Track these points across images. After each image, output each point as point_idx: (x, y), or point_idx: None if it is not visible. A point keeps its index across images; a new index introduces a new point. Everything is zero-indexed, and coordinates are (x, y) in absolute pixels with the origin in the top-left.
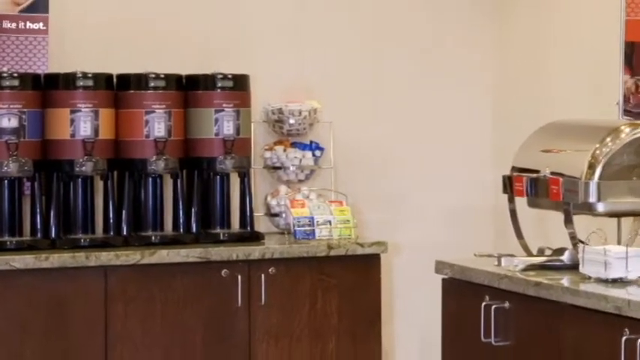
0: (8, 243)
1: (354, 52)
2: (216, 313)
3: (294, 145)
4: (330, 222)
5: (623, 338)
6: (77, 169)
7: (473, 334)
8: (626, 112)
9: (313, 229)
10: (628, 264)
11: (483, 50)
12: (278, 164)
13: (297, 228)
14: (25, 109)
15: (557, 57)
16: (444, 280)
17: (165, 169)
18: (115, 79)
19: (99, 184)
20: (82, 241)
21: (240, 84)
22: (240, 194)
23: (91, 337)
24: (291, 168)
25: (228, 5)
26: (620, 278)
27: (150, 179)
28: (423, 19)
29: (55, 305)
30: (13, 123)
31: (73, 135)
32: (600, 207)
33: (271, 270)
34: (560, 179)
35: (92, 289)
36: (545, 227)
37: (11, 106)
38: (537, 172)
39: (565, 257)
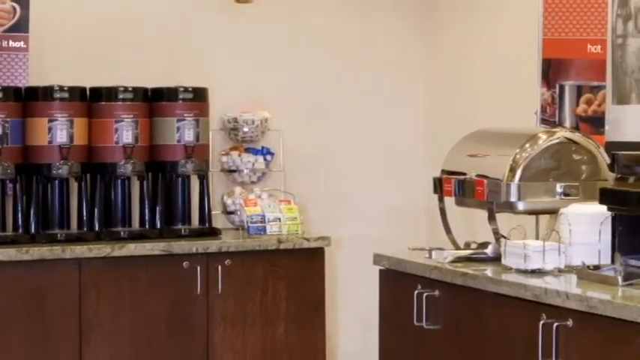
0: None
1: (301, 69)
2: (178, 300)
3: (247, 150)
4: (279, 219)
5: (541, 322)
6: (54, 171)
7: (407, 319)
8: (543, 121)
9: (265, 226)
10: (545, 256)
11: (416, 66)
12: (233, 167)
13: (250, 224)
14: (7, 119)
15: (482, 72)
16: (381, 271)
17: (133, 171)
18: (88, 92)
19: (74, 185)
20: (59, 236)
21: (199, 96)
22: (200, 194)
23: (67, 321)
24: (245, 171)
25: (190, 26)
26: (538, 269)
27: (119, 181)
28: (362, 39)
29: (35, 293)
30: None
31: (50, 141)
32: (520, 206)
33: (227, 262)
34: (485, 181)
35: (68, 279)
36: (471, 224)
37: None
38: (464, 174)
39: (489, 250)
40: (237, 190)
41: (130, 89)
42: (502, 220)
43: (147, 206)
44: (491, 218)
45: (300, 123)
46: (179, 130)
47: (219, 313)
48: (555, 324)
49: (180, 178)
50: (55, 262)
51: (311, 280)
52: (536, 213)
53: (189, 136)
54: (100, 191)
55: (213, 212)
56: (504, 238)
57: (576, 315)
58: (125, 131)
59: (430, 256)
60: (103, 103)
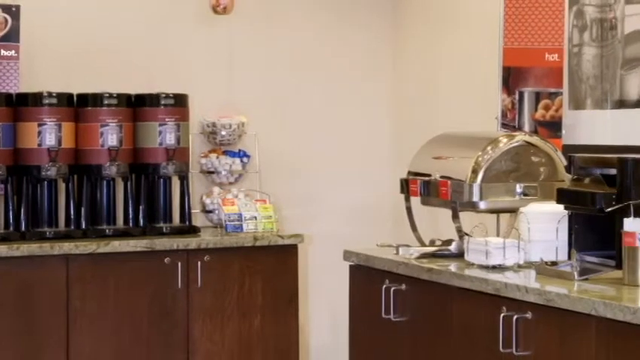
0: None
1: (275, 77)
2: (159, 294)
3: (225, 153)
4: (255, 217)
5: (501, 315)
6: (43, 173)
7: (375, 312)
8: (504, 126)
9: (241, 224)
10: (505, 253)
11: (382, 74)
12: (212, 169)
13: (227, 222)
14: None
15: (446, 79)
16: (351, 266)
17: (117, 173)
18: (75, 98)
19: (62, 186)
20: (48, 233)
21: (180, 102)
22: (180, 194)
23: (55, 314)
24: (223, 172)
25: (170, 36)
26: (499, 265)
27: (104, 181)
28: (332, 48)
29: (25, 288)
30: None
31: (40, 144)
32: (482, 205)
33: (206, 258)
34: (449, 182)
35: (56, 274)
36: (436, 222)
37: None
38: (429, 175)
39: (452, 247)
40: (216, 190)
41: (115, 95)
42: (465, 218)
43: (130, 205)
44: (455, 217)
45: (274, 127)
46: (161, 134)
47: (198, 306)
48: (515, 316)
49: (162, 179)
50: (44, 258)
51: (285, 275)
52: (497, 212)
53: (170, 139)
54: (87, 191)
55: (193, 211)
56: (467, 235)
57: (535, 308)
58: (110, 135)
59: (397, 253)
60: (89, 108)
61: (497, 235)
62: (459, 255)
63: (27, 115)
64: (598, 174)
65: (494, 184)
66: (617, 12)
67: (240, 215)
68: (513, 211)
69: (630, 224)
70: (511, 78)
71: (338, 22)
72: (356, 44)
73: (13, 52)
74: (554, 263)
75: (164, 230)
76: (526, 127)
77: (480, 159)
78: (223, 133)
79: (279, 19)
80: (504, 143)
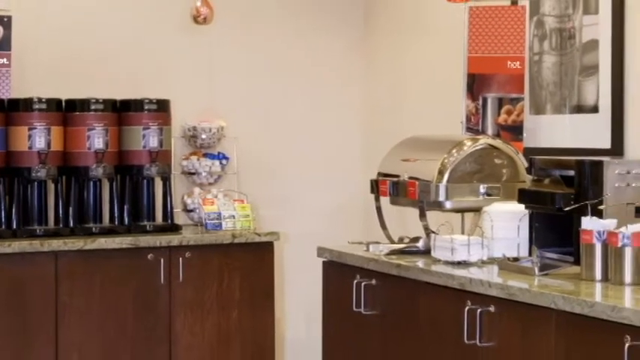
0: None
1: (253, 83)
2: (143, 288)
3: (205, 155)
4: (233, 216)
5: (466, 308)
6: (34, 174)
7: (347, 305)
8: (468, 129)
9: (220, 222)
10: (470, 249)
11: (354, 81)
12: (193, 170)
13: (207, 221)
14: None
15: (414, 85)
16: (324, 262)
17: (104, 174)
18: (63, 103)
19: (51, 186)
20: (38, 231)
21: (162, 107)
22: (163, 194)
23: (45, 308)
24: (203, 173)
25: (154, 44)
26: (464, 261)
27: (91, 182)
28: (306, 56)
29: (16, 283)
30: None
31: (30, 147)
32: (448, 204)
33: (187, 254)
34: (416, 182)
35: (45, 269)
36: (404, 220)
37: None
38: (398, 176)
39: (420, 244)
40: (196, 190)
41: (101, 101)
42: (432, 217)
43: (116, 205)
44: (422, 215)
45: (252, 131)
46: (144, 138)
47: (180, 300)
48: (479, 310)
49: (145, 180)
50: (34, 255)
51: (262, 270)
52: (461, 211)
53: (153, 142)
54: (74, 191)
55: (175, 210)
56: (434, 233)
57: (498, 301)
58: (96, 138)
59: (368, 250)
60: (77, 113)
61: (462, 232)
62: (426, 252)
63: (18, 119)
64: (557, 175)
65: (459, 185)
66: (575, 22)
67: (219, 214)
68: (477, 210)
69: (588, 223)
70: (475, 84)
71: (312, 31)
72: (329, 53)
73: (5, 59)
74: (515, 259)
75: (148, 228)
76: (489, 131)
77: (445, 161)
78: (203, 136)
79: (256, 29)
80: (469, 146)
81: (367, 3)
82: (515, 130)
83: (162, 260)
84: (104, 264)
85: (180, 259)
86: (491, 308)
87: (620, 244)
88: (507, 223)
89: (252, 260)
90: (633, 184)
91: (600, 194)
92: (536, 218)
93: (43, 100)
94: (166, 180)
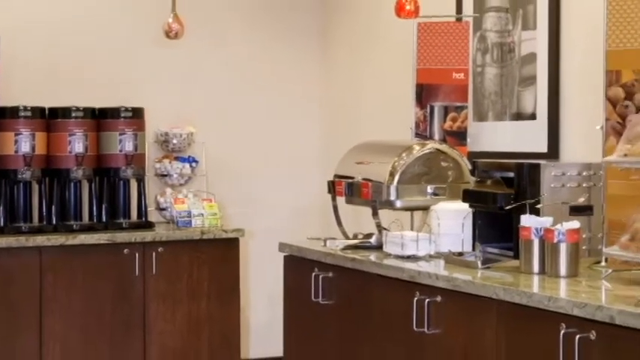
0: None
1: (221, 92)
2: (120, 280)
3: (176, 158)
4: (202, 214)
5: (415, 298)
6: (19, 176)
7: (306, 296)
8: (417, 135)
9: (190, 220)
10: (418, 245)
11: (313, 89)
12: (165, 172)
13: (178, 219)
14: None
15: (368, 94)
16: (285, 256)
17: (83, 176)
18: (47, 111)
19: (35, 187)
20: (23, 228)
21: (137, 114)
22: (138, 194)
23: (30, 299)
24: (175, 175)
25: (129, 57)
26: (413, 255)
27: (72, 183)
28: (270, 67)
29: (3, 275)
30: None
31: (16, 151)
32: (398, 203)
33: (160, 249)
34: (370, 183)
35: (30, 263)
36: (359, 218)
37: None
38: (353, 178)
39: (373, 240)
40: (168, 191)
41: (81, 109)
42: (383, 215)
43: (95, 204)
44: (375, 214)
45: (220, 136)
46: (121, 142)
47: (153, 291)
48: (427, 300)
49: (121, 181)
50: (20, 250)
51: (228, 264)
52: (411, 209)
53: (129, 147)
54: (57, 192)
55: (148, 209)
56: (385, 230)
57: (444, 292)
58: (77, 143)
59: (325, 245)
60: (59, 120)
61: (412, 229)
62: (379, 247)
63: (5, 125)
64: (498, 177)
65: (408, 186)
66: (514, 37)
67: (189, 212)
68: (425, 208)
69: (526, 220)
70: (423, 94)
71: (274, 45)
72: (290, 64)
73: None
74: (460, 254)
75: (124, 225)
76: (436, 136)
77: (396, 164)
78: (175, 141)
79: (223, 43)
80: (417, 150)
81: (325, 19)
82: (459, 136)
83: (137, 255)
84: (84, 258)
85: (154, 253)
86: (438, 298)
87: (555, 240)
88: (453, 221)
89: (220, 255)
90: (568, 185)
91: (537, 194)
92: (479, 216)
93: (28, 108)
94: (141, 181)
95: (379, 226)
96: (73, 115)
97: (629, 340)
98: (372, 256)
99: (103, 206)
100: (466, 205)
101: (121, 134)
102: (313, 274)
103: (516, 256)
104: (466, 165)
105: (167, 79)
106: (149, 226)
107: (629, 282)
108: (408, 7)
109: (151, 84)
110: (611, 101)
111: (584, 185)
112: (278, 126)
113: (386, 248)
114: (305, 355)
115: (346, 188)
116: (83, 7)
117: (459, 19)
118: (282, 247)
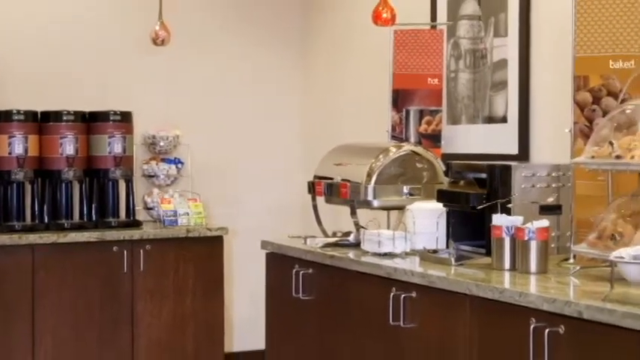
0: None
1: (205, 96)
2: (109, 277)
3: (163, 160)
4: (188, 213)
5: (391, 294)
6: (13, 177)
7: (287, 292)
8: (394, 137)
9: (176, 219)
10: (395, 243)
11: (294, 93)
12: (152, 173)
13: (165, 217)
14: None
15: (346, 98)
16: (267, 254)
17: (74, 177)
18: (39, 115)
19: (28, 187)
20: (16, 226)
21: (126, 118)
22: (126, 194)
23: (23, 294)
24: (161, 176)
25: (118, 62)
26: (390, 252)
27: (63, 184)
28: (252, 72)
29: None
30: None
31: (10, 153)
32: (375, 203)
33: (147, 247)
34: (348, 184)
35: (23, 260)
36: (337, 217)
37: None
38: (332, 179)
39: (351, 238)
40: (155, 191)
41: (72, 112)
42: (361, 214)
43: (85, 203)
44: (353, 213)
45: (204, 138)
46: (110, 145)
47: (141, 287)
48: (403, 295)
49: (111, 182)
50: (14, 247)
51: (213, 261)
52: (387, 209)
53: (118, 149)
54: (49, 192)
55: (136, 208)
56: (363, 228)
57: (419, 288)
58: (68, 145)
59: (305, 243)
60: (51, 123)
61: (388, 227)
62: (357, 244)
63: None
64: (471, 178)
65: (385, 186)
66: (487, 43)
67: (175, 212)
68: (401, 208)
69: (498, 219)
70: (399, 98)
71: (256, 50)
72: (271, 69)
73: None
74: (434, 251)
75: (112, 224)
76: (412, 139)
77: (373, 165)
78: (162, 143)
79: (207, 49)
80: (394, 152)
81: (304, 25)
82: (434, 138)
83: (125, 252)
84: (75, 255)
85: (141, 251)
86: (414, 294)
87: (526, 238)
88: (427, 220)
89: (204, 252)
90: (537, 185)
91: (509, 194)
92: (452, 215)
93: (21, 112)
94: (129, 182)
95: (357, 225)
96: (64, 118)
97: (596, 333)
98: (351, 254)
99: (93, 206)
100: (440, 205)
101: (110, 137)
102: (294, 270)
103: (488, 254)
104: (440, 166)
105: (154, 84)
106: (137, 224)
107: (596, 278)
108: (384, 15)
109: (138, 89)
110: (579, 105)
111: (553, 186)
112: (260, 129)
113: (364, 246)
114: (286, 348)
115: (326, 188)
116: (73, 15)
117: (433, 27)
118: (264, 244)
